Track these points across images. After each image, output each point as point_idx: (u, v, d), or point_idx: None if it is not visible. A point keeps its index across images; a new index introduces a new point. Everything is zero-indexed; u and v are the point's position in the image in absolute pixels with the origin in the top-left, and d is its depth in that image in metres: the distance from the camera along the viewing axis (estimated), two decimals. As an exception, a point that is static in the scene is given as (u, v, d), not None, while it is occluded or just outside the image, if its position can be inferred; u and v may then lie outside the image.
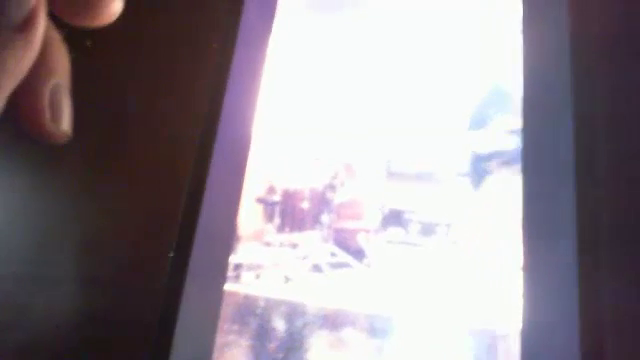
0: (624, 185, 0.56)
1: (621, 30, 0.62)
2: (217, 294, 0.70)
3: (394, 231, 1.89)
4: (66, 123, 0.21)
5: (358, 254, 1.86)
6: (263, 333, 1.70)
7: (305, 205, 1.84)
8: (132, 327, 0.63)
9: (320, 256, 1.82)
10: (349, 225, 1.86)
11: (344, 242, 1.90)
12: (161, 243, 0.67)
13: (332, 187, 1.86)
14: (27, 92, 0.19)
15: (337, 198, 1.82)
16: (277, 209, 1.87)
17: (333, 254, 1.84)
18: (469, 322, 1.62)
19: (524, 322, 0.57)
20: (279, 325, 1.74)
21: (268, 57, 0.80)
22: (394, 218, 1.83)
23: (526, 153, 0.64)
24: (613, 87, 0.59)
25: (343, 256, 1.85)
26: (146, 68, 0.79)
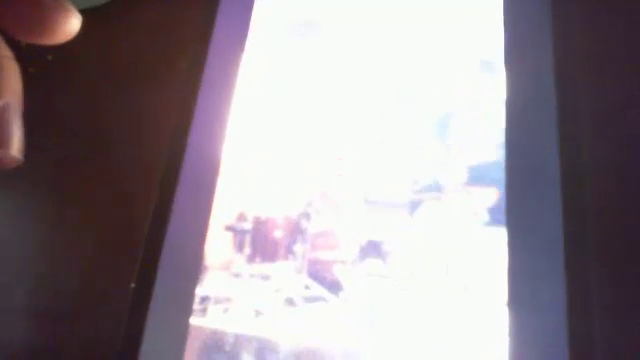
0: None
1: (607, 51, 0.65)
2: (182, 328, 0.70)
3: (372, 263, 1.90)
4: (16, 148, 0.19)
5: (334, 287, 1.85)
6: (231, 371, 1.68)
7: (278, 234, 1.83)
8: (89, 364, 0.63)
9: (293, 289, 1.81)
10: (324, 256, 1.86)
11: (319, 274, 1.89)
12: (122, 273, 0.67)
13: (307, 215, 1.86)
14: None
15: (312, 227, 1.82)
16: (248, 238, 1.86)
17: (307, 287, 1.83)
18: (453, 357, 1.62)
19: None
20: (249, 363, 1.72)
21: (239, 79, 0.82)
22: (372, 249, 1.83)
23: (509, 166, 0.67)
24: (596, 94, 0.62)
25: (318, 289, 1.85)
26: (111, 86, 0.80)
